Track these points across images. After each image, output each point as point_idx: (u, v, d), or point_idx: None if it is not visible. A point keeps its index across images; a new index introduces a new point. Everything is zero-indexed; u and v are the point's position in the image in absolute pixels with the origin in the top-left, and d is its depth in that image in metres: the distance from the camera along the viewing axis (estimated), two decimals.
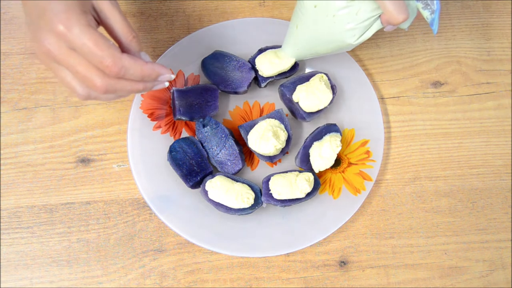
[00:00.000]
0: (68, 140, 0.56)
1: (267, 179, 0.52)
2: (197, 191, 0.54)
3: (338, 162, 0.55)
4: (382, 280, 0.54)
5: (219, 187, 0.50)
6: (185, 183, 0.52)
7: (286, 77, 0.56)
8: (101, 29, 0.41)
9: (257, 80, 0.56)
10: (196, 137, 0.54)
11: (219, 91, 0.55)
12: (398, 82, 0.60)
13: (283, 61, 0.54)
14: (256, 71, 0.55)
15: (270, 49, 0.55)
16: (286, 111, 0.57)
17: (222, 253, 0.51)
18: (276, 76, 0.55)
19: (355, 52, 0.60)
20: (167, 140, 0.55)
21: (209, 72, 0.55)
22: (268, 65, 0.54)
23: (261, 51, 0.55)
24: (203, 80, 0.57)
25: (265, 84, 0.55)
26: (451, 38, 0.62)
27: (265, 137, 0.51)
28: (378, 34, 0.61)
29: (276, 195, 0.50)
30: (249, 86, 0.55)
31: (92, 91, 0.40)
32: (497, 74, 0.60)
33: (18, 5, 0.60)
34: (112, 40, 0.41)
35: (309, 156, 0.53)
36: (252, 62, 0.55)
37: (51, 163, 0.55)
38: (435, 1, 0.41)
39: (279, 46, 0.55)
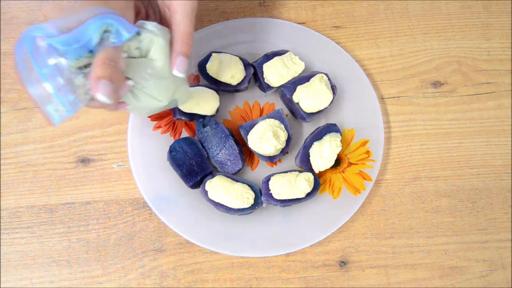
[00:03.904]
0: (68, 140, 0.56)
1: (267, 179, 0.52)
2: (197, 191, 0.54)
3: (338, 162, 0.55)
4: (382, 280, 0.54)
5: (219, 187, 0.50)
6: (185, 183, 0.52)
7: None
8: None
9: (261, 84, 0.55)
10: (196, 137, 0.54)
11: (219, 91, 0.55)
12: (398, 82, 0.60)
13: (291, 71, 0.54)
14: (257, 73, 0.55)
15: (277, 56, 0.55)
16: (286, 111, 0.57)
17: (222, 253, 0.51)
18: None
19: (355, 52, 0.60)
20: (167, 140, 0.55)
21: (206, 75, 0.55)
22: (277, 77, 0.54)
23: (267, 56, 0.55)
24: (203, 80, 0.57)
25: (270, 92, 0.55)
26: (451, 38, 0.61)
27: (265, 137, 0.51)
28: (378, 34, 0.61)
29: (276, 195, 0.50)
30: (249, 82, 0.55)
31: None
32: (497, 74, 0.60)
33: (18, 5, 0.60)
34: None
35: (309, 156, 0.53)
36: (257, 67, 0.55)
37: (51, 163, 0.55)
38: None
39: (284, 51, 0.55)
